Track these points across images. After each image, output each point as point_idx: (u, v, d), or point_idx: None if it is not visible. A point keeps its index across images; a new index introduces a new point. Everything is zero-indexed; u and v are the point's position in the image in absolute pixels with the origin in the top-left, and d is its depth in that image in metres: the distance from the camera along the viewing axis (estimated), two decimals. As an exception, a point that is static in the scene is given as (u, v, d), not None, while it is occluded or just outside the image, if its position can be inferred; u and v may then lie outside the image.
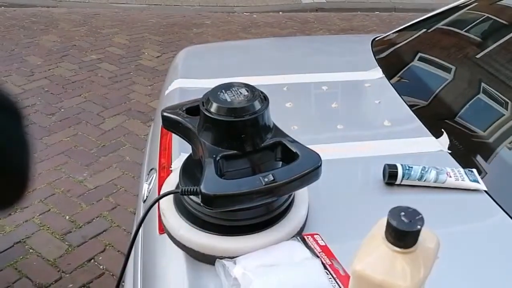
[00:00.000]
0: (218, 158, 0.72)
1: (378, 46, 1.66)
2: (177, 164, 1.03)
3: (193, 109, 0.80)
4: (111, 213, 2.29)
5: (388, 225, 0.55)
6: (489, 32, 1.55)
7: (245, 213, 0.76)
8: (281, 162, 0.78)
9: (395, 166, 0.95)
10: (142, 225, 0.79)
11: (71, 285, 1.90)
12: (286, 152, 0.76)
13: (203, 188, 0.68)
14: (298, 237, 0.80)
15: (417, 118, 1.19)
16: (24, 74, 3.72)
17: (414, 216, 0.56)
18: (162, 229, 0.83)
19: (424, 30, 1.68)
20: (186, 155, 0.87)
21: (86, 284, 1.91)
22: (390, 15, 6.27)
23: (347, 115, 1.28)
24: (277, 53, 1.74)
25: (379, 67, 1.48)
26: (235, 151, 0.74)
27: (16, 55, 4.09)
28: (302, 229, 0.82)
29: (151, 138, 1.45)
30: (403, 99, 1.29)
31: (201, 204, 0.70)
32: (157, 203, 0.87)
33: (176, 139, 1.12)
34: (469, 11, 1.68)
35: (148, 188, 1.13)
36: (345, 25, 5.71)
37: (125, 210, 2.32)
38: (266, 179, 0.70)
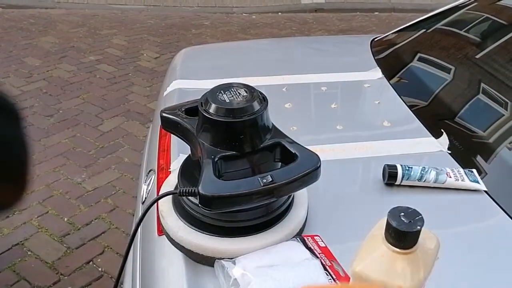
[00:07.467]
0: (216, 159, 0.72)
1: (377, 47, 1.66)
2: (176, 165, 1.03)
3: (192, 110, 0.80)
4: (109, 215, 2.28)
5: (388, 225, 0.55)
6: (489, 32, 1.55)
7: (244, 214, 0.75)
8: (280, 163, 0.77)
9: (394, 167, 0.95)
10: (141, 226, 0.79)
11: (69, 287, 1.90)
12: (285, 153, 0.75)
13: (201, 189, 0.67)
14: (298, 238, 0.79)
15: (416, 119, 1.19)
16: (22, 76, 3.71)
17: (414, 216, 0.55)
18: (161, 230, 0.83)
19: (424, 30, 1.68)
20: (185, 156, 0.87)
21: (85, 286, 1.90)
22: (389, 16, 6.27)
23: (347, 115, 1.27)
24: (276, 54, 1.74)
25: (378, 68, 1.47)
26: (233, 152, 0.73)
27: (14, 57, 4.09)
28: (301, 230, 0.81)
29: (150, 139, 1.44)
30: (402, 100, 1.29)
31: (199, 205, 0.69)
32: (155, 204, 0.86)
33: (175, 140, 1.11)
34: (468, 11, 1.68)
35: (146, 190, 1.13)
36: (344, 25, 5.71)
37: (123, 212, 2.31)
38: (264, 180, 0.69)
